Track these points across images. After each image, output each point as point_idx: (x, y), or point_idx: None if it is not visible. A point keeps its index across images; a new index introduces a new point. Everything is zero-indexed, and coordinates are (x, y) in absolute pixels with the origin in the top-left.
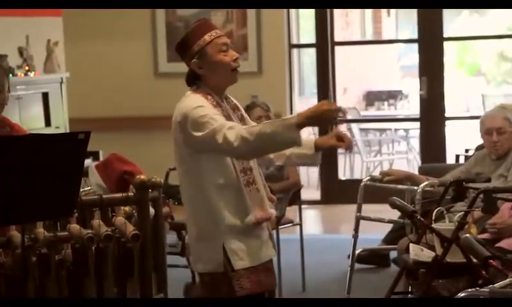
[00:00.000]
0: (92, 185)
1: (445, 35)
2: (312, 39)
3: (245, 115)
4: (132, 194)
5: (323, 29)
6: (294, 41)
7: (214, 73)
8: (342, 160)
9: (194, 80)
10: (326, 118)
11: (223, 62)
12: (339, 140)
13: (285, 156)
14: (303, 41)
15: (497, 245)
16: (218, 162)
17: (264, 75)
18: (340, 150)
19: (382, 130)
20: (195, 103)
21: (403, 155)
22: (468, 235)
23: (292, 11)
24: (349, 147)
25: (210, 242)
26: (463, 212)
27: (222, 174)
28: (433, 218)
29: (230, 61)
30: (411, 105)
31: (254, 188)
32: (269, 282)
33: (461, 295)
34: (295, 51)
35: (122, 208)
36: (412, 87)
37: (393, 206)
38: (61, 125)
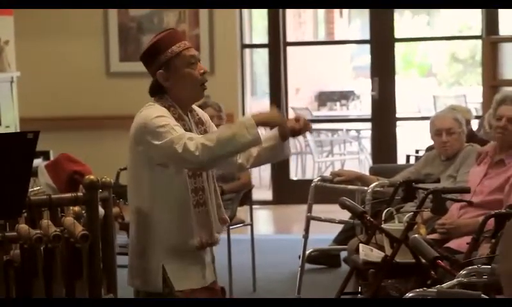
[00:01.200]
0: (41, 185)
1: (396, 36)
2: (264, 39)
3: (210, 129)
4: (82, 194)
5: (275, 29)
6: (247, 41)
7: (180, 87)
8: (294, 161)
9: (157, 91)
10: (278, 126)
11: (190, 76)
12: (296, 122)
13: (253, 157)
14: (255, 42)
15: (446, 245)
16: (171, 178)
17: (216, 75)
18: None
19: (334, 131)
20: (156, 112)
21: (355, 155)
22: (416, 235)
23: (245, 11)
24: (308, 128)
25: (150, 260)
26: (412, 213)
27: (172, 191)
28: (383, 218)
29: (198, 76)
30: (363, 106)
31: (203, 210)
32: None
33: (409, 295)
34: (247, 51)
35: (71, 208)
36: (364, 88)
37: (343, 206)
38: (11, 124)
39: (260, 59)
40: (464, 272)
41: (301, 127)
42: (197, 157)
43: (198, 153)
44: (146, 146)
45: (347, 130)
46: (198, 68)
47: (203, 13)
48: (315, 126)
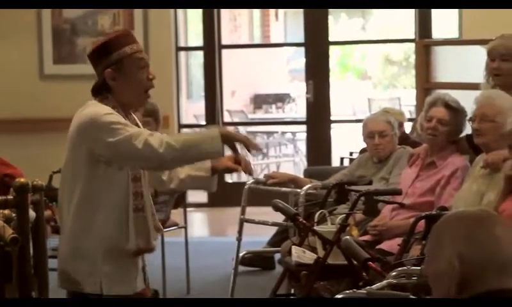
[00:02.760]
0: None
1: (330, 39)
2: (199, 42)
3: None
4: (12, 197)
5: (211, 32)
6: (182, 44)
7: (126, 89)
8: None
9: (101, 91)
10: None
11: (139, 80)
12: (236, 162)
13: (178, 179)
14: (190, 44)
15: (378, 247)
16: (114, 179)
17: None
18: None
19: (269, 133)
20: (104, 110)
21: (290, 157)
22: (348, 237)
23: (180, 13)
24: (247, 169)
25: (88, 261)
26: (344, 215)
27: (116, 193)
28: (315, 220)
29: (146, 81)
30: (299, 109)
31: (141, 215)
32: None
33: (339, 296)
34: (182, 54)
35: (1, 211)
36: (300, 91)
37: (276, 208)
38: None
39: (195, 62)
40: (394, 273)
41: (241, 170)
42: (160, 153)
43: (161, 150)
44: (95, 143)
45: (283, 133)
46: (147, 73)
47: (138, 15)
48: (250, 128)
